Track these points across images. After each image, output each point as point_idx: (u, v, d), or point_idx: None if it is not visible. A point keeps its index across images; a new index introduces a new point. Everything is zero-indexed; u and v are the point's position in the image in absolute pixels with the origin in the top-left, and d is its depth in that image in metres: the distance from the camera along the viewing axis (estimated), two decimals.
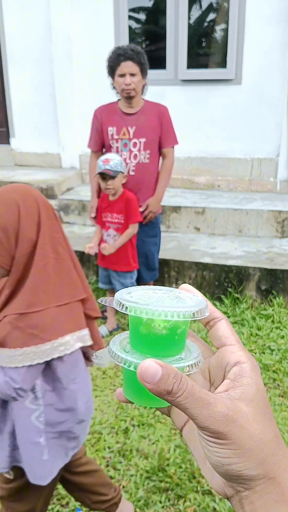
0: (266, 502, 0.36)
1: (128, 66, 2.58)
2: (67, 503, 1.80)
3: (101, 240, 2.86)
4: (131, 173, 2.78)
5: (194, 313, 0.38)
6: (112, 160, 2.57)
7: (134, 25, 4.61)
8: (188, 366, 0.39)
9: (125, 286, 2.95)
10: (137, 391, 0.37)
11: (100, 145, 2.84)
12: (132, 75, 2.60)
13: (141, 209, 2.82)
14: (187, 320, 0.38)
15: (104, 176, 2.56)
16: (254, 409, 0.37)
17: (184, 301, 0.41)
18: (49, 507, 1.77)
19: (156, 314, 0.36)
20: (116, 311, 3.14)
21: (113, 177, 2.56)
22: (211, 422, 0.35)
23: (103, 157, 2.61)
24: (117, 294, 0.40)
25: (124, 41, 4.30)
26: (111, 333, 3.03)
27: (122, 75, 2.61)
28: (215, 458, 0.36)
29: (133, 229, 2.72)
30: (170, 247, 3.61)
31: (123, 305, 0.38)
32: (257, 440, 0.36)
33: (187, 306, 0.39)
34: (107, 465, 1.97)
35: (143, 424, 2.19)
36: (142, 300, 0.39)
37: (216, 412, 0.35)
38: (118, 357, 0.38)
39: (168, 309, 0.37)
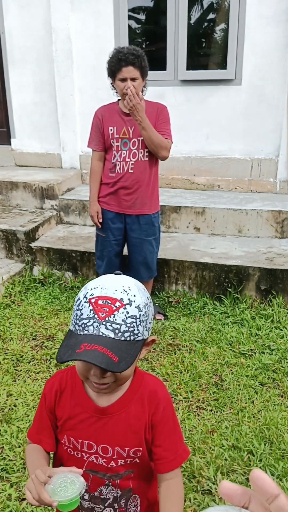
0: None
1: (129, 71, 2.60)
2: None
3: None
4: (130, 171, 2.81)
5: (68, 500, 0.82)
6: (119, 302, 0.90)
7: (134, 25, 4.61)
8: None
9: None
10: None
11: (103, 144, 2.85)
12: (133, 79, 2.62)
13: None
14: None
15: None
16: None
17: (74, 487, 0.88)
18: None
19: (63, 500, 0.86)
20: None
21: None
22: None
23: (93, 289, 0.94)
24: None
25: (124, 42, 4.30)
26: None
27: (123, 80, 2.63)
28: None
29: None
30: (170, 247, 3.61)
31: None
32: None
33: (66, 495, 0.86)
34: None
35: None
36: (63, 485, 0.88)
37: None
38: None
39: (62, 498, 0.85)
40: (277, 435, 2.11)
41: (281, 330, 2.94)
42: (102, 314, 0.86)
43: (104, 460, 1.02)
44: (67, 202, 4.21)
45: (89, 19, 4.36)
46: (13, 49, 4.71)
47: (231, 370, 2.59)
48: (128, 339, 0.86)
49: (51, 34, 4.47)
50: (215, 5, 4.33)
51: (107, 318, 0.86)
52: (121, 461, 1.02)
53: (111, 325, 0.85)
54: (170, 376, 2.53)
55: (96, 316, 0.86)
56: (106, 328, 0.85)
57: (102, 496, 1.05)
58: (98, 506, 1.06)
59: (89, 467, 1.03)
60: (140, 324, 0.89)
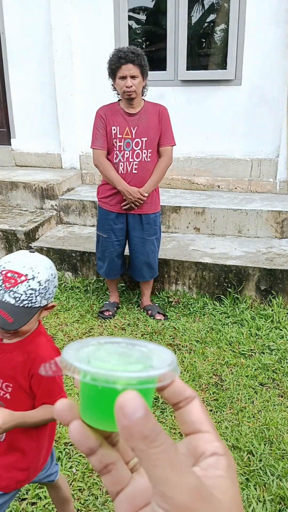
0: None
1: (129, 69, 2.61)
2: None
3: None
4: (134, 171, 2.82)
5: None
6: (24, 277, 1.13)
7: (134, 25, 4.62)
8: (160, 375, 0.33)
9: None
10: (95, 411, 0.34)
11: (107, 144, 2.84)
12: (133, 77, 2.64)
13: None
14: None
15: None
16: (229, 502, 0.31)
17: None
18: (49, 507, 1.78)
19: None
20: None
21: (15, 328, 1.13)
22: (179, 492, 0.28)
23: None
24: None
25: (124, 42, 4.31)
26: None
27: (123, 78, 2.64)
28: None
29: None
30: (170, 247, 3.61)
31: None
32: None
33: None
34: None
35: None
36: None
37: (187, 482, 0.29)
38: (71, 366, 0.33)
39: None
40: (277, 435, 2.11)
41: (281, 330, 2.94)
42: (8, 285, 1.10)
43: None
44: (67, 202, 4.21)
45: (89, 19, 4.36)
46: (13, 49, 4.71)
47: (231, 370, 2.59)
48: (25, 306, 1.11)
49: (51, 34, 4.47)
50: (215, 5, 4.34)
51: (11, 288, 1.10)
52: None
53: (13, 294, 1.10)
54: None
55: (3, 285, 1.10)
56: (9, 296, 1.09)
57: None
58: None
59: None
60: (38, 295, 1.12)
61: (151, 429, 0.29)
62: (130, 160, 2.80)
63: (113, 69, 2.67)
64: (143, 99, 2.84)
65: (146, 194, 2.82)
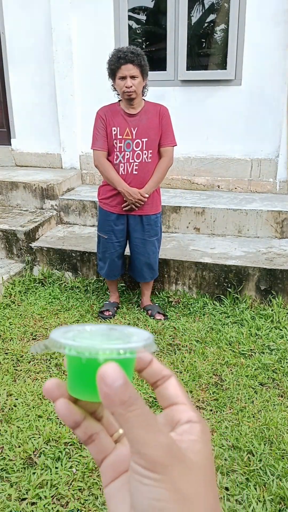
0: None
1: (129, 69, 2.61)
2: (67, 503, 1.81)
3: None
4: (134, 172, 2.81)
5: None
6: None
7: (134, 25, 4.62)
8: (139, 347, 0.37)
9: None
10: (82, 383, 0.38)
11: (108, 144, 2.83)
12: (133, 77, 2.63)
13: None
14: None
15: None
16: (201, 462, 0.34)
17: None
18: (49, 507, 1.78)
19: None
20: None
21: None
22: (153, 450, 0.32)
23: None
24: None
25: (124, 42, 4.31)
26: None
27: (123, 78, 2.63)
28: (147, 502, 0.32)
29: None
30: (170, 247, 3.62)
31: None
32: (201, 491, 0.33)
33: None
34: None
35: None
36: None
37: (161, 441, 0.32)
38: (57, 342, 0.36)
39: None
40: (277, 435, 2.11)
41: (281, 330, 2.94)
42: None
43: None
44: (67, 202, 4.21)
45: (89, 19, 4.37)
46: (13, 50, 4.72)
47: (231, 370, 2.59)
48: None
49: (51, 34, 4.48)
50: (215, 5, 4.34)
51: None
52: None
53: None
54: None
55: None
56: None
57: None
58: None
59: None
60: None
61: (129, 395, 0.33)
62: (131, 161, 2.79)
63: (113, 69, 2.67)
64: (144, 99, 2.83)
65: (147, 195, 2.82)
